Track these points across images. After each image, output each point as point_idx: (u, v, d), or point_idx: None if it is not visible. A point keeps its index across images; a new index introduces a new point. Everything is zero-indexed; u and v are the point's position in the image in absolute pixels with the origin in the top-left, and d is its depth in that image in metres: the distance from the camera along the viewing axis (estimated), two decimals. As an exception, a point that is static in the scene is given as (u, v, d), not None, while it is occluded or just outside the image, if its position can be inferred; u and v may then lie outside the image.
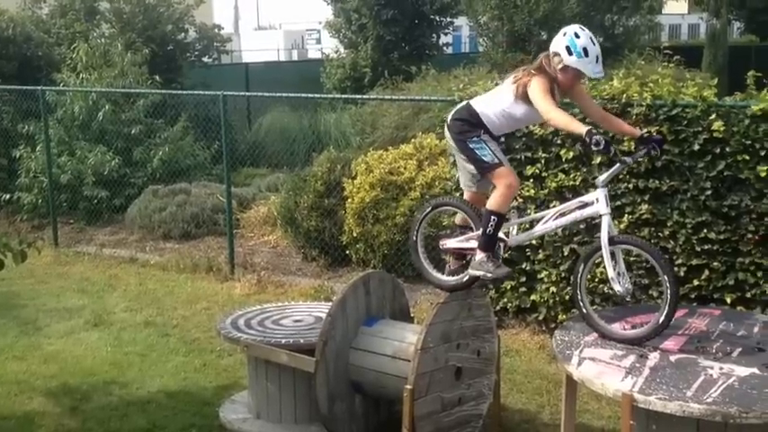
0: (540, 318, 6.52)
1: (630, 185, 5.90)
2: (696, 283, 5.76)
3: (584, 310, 4.24)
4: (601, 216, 4.23)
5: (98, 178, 10.87)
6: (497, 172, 4.35)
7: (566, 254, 6.22)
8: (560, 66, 4.26)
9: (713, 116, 5.60)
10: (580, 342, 4.08)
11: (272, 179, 11.84)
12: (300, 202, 8.79)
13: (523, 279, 6.54)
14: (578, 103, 4.67)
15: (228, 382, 5.94)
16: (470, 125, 4.44)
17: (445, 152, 7.99)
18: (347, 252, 8.47)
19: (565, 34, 4.26)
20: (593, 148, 4.04)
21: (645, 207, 5.88)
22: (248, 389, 5.33)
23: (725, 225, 5.68)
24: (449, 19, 20.92)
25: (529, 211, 6.00)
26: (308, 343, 4.87)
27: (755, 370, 3.64)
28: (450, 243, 4.72)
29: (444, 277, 4.77)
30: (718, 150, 5.63)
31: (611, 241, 4.16)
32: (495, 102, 4.48)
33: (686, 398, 3.41)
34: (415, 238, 4.84)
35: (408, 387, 4.33)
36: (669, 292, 3.99)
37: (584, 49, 4.20)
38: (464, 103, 4.67)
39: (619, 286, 4.13)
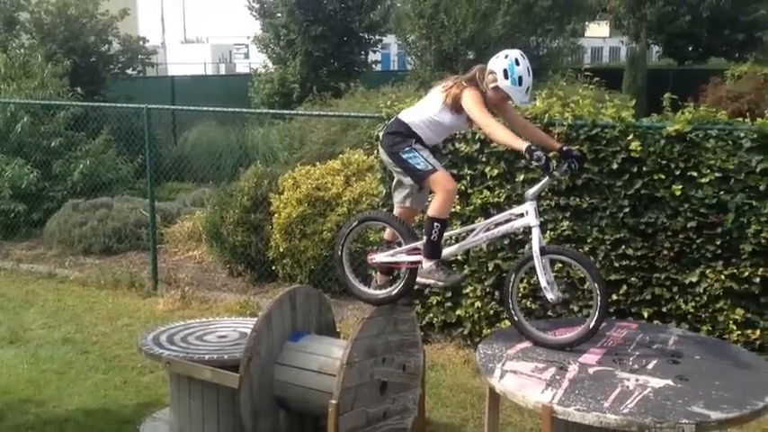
0: (466, 332, 6.60)
1: (552, 203, 6.05)
2: (615, 297, 5.92)
3: (516, 318, 4.38)
4: (531, 228, 4.35)
5: (15, 192, 10.54)
6: (433, 178, 4.36)
7: (490, 269, 6.32)
8: (493, 85, 4.34)
9: (631, 136, 5.80)
10: (502, 355, 4.15)
11: (198, 194, 11.68)
12: (226, 217, 8.69)
13: (449, 294, 6.62)
14: (501, 114, 4.70)
15: (150, 399, 5.81)
16: (402, 136, 4.45)
17: (373, 168, 8.04)
18: (273, 267, 8.41)
19: (507, 57, 4.33)
20: (534, 163, 4.15)
21: (566, 224, 6.03)
22: (170, 406, 5.22)
23: (642, 242, 5.86)
24: (377, 37, 21.12)
25: (454, 226, 6.08)
26: (233, 359, 4.80)
27: (670, 381, 3.77)
28: (378, 258, 4.73)
29: (371, 291, 4.78)
30: (635, 169, 5.82)
31: (543, 251, 4.28)
32: (424, 110, 4.51)
33: (604, 409, 3.50)
34: (340, 252, 4.84)
35: (333, 402, 4.31)
36: (599, 298, 4.16)
37: (520, 78, 4.29)
38: (393, 119, 4.70)
39: (551, 294, 4.24)
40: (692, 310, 5.76)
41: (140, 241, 9.87)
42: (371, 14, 20.03)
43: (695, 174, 5.64)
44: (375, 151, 7.32)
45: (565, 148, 4.56)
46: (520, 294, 5.90)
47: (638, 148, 5.75)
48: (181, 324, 5.59)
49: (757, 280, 5.53)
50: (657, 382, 3.75)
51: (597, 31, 40.89)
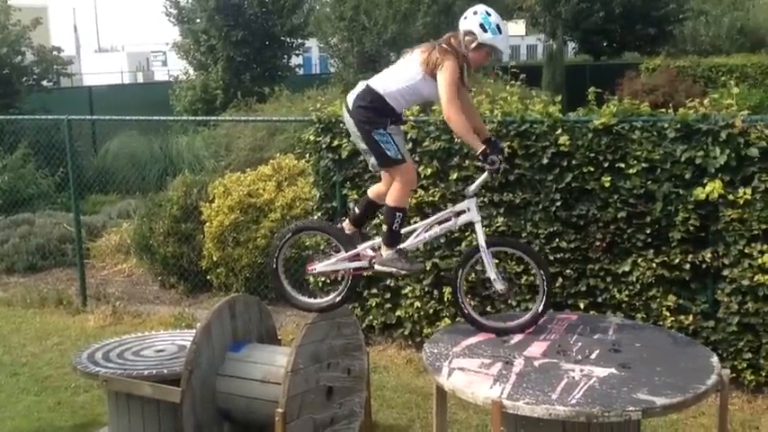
0: (406, 333, 6.60)
1: (486, 199, 6.10)
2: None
3: (466, 310, 4.45)
4: (474, 223, 4.39)
5: (-72, 211, 10.09)
6: (399, 168, 4.31)
7: (428, 269, 6.34)
8: (474, 44, 4.21)
9: (559, 131, 5.89)
10: (449, 353, 4.15)
11: (123, 205, 11.40)
12: (156, 228, 8.49)
13: (388, 296, 6.61)
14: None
15: (86, 420, 5.63)
16: (376, 113, 4.28)
17: (304, 172, 7.98)
18: (207, 277, 8.26)
19: (476, 13, 4.23)
20: (487, 166, 4.18)
21: (501, 219, 6.09)
22: (108, 425, 5.06)
23: (575, 234, 5.97)
24: (299, 40, 21.01)
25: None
26: (173, 373, 4.69)
27: (613, 370, 3.83)
28: (319, 267, 4.65)
29: (312, 300, 4.74)
30: (565, 163, 5.92)
31: (488, 244, 4.35)
32: (399, 78, 4.31)
33: (552, 401, 3.53)
34: (275, 264, 4.71)
35: (280, 411, 4.24)
36: (544, 284, 4.32)
37: (498, 27, 4.21)
38: (362, 86, 4.41)
39: (500, 284, 4.33)
40: (626, 299, 5.88)
41: (66, 257, 9.56)
42: (292, 18, 19.92)
43: (623, 165, 5.77)
44: (307, 155, 7.27)
45: (493, 139, 4.52)
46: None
47: (567, 143, 5.85)
48: (116, 340, 5.43)
49: (687, 266, 5.69)
50: (602, 372, 3.81)
51: (514, 30, 41.62)
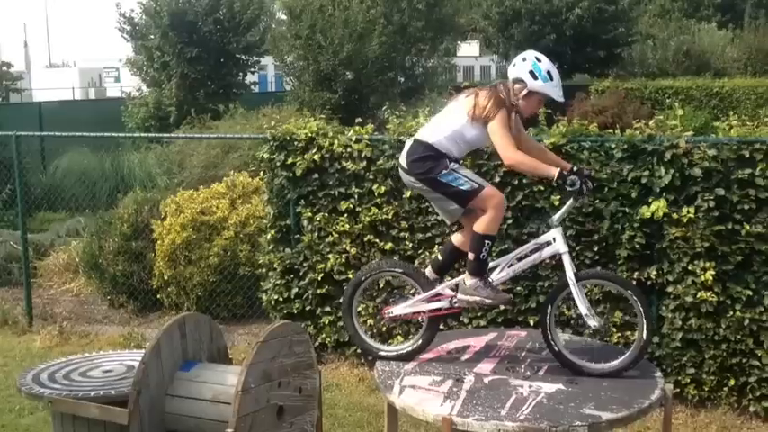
0: (359, 350, 6.59)
1: (440, 217, 6.14)
2: (501, 307, 6.06)
3: (556, 348, 4.13)
4: (560, 255, 4.11)
5: None
6: (482, 195, 4.07)
7: (381, 286, 6.35)
8: (524, 92, 4.08)
9: (510, 150, 5.96)
10: (400, 371, 4.17)
11: (72, 223, 11.18)
12: (105, 247, 8.37)
13: (341, 313, 6.60)
14: (516, 140, 4.21)
15: (31, 442, 5.50)
16: (433, 159, 4.09)
17: (258, 190, 7.96)
18: (158, 296, 8.16)
19: (525, 60, 4.10)
20: (568, 188, 3.96)
21: (453, 238, 6.14)
22: (54, 448, 4.95)
23: (525, 252, 6.03)
24: (255, 58, 21.01)
25: (344, 244, 6.08)
26: (120, 394, 4.60)
27: (561, 385, 3.89)
28: (397, 310, 4.41)
29: (392, 348, 4.50)
30: (516, 182, 6.01)
31: (578, 277, 4.08)
32: (445, 126, 4.16)
33: (501, 417, 3.57)
34: (348, 307, 4.50)
35: (230, 431, 4.20)
36: (644, 318, 4.05)
37: (549, 73, 4.07)
38: (410, 141, 4.26)
39: (593, 321, 4.06)
40: (574, 316, 5.96)
41: (12, 276, 9.35)
42: (248, 36, 19.92)
43: (572, 184, 5.86)
44: (261, 173, 7.26)
45: (575, 169, 4.24)
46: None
47: (518, 162, 5.92)
48: (62, 360, 5.32)
49: (633, 283, 5.79)
50: (550, 387, 3.87)
51: (468, 51, 42.18)
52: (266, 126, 6.91)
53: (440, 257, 4.50)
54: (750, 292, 5.49)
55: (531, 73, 4.06)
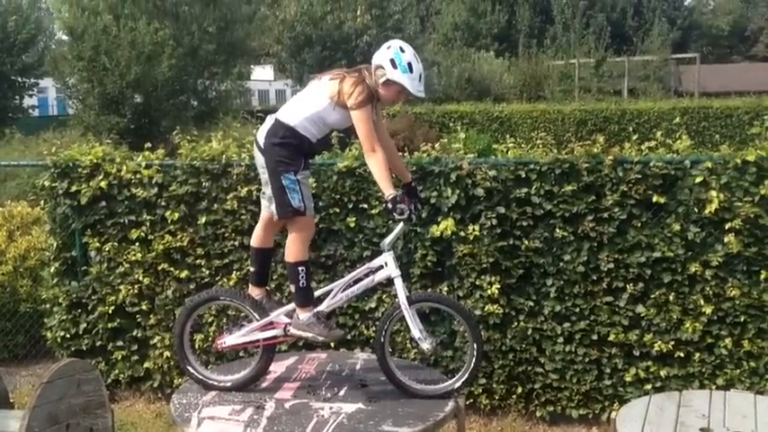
0: (156, 385, 6.34)
1: (236, 242, 6.07)
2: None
3: (390, 371, 4.16)
4: (393, 279, 4.10)
5: None
6: (300, 219, 4.06)
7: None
8: (383, 79, 4.05)
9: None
10: (198, 403, 4.06)
11: None
12: None
13: (135, 347, 6.33)
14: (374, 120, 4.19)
15: None
16: (291, 151, 4.04)
17: (39, 220, 7.46)
18: (-76, 340, 7.38)
19: (389, 47, 4.07)
20: (395, 215, 3.92)
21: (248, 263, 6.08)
22: None
23: (323, 274, 6.08)
24: (33, 80, 19.76)
25: (136, 274, 5.82)
26: None
27: (361, 405, 3.96)
28: (230, 340, 4.28)
29: (225, 378, 4.30)
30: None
31: (410, 301, 4.09)
32: (306, 107, 4.10)
33: (303, 441, 3.58)
34: (180, 340, 4.31)
35: (13, 482, 3.88)
36: (474, 342, 4.16)
37: (409, 64, 4.03)
38: (271, 120, 4.17)
39: (426, 344, 4.06)
40: (373, 335, 6.10)
41: None
42: (24, 56, 18.70)
43: (366, 206, 6.02)
44: (42, 202, 6.81)
45: (407, 189, 4.32)
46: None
47: (314, 185, 6.00)
48: None
49: (465, 307, 6.01)
50: (350, 407, 3.93)
51: (263, 75, 42.23)
52: (47, 152, 6.48)
53: (252, 269, 4.48)
54: (531, 303, 5.88)
55: (392, 61, 4.04)
